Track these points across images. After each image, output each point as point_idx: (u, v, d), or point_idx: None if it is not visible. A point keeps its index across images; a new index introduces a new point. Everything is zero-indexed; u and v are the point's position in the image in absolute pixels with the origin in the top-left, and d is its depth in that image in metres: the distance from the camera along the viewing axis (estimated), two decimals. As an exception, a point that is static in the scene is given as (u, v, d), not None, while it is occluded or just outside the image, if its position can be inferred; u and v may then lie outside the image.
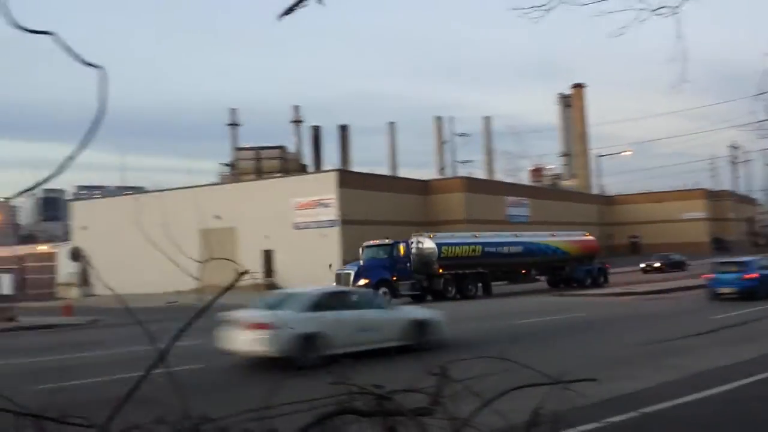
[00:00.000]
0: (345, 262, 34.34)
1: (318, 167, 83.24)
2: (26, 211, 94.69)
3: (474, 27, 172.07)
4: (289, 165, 68.76)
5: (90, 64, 3.20)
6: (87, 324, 26.21)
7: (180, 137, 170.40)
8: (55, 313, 31.04)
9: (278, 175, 57.94)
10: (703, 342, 13.18)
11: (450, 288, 30.02)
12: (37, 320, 27.60)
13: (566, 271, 34.93)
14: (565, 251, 35.22)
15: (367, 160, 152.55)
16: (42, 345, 18.69)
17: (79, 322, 26.70)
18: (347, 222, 42.29)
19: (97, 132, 3.12)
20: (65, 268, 53.07)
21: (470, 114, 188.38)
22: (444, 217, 49.56)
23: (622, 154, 69.24)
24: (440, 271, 30.00)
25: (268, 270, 43.60)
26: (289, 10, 4.14)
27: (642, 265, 47.35)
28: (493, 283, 32.01)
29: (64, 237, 59.74)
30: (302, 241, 42.96)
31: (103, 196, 63.50)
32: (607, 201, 76.47)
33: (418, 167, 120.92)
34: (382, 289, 27.66)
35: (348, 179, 46.30)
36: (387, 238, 31.09)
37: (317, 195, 44.27)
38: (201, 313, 4.00)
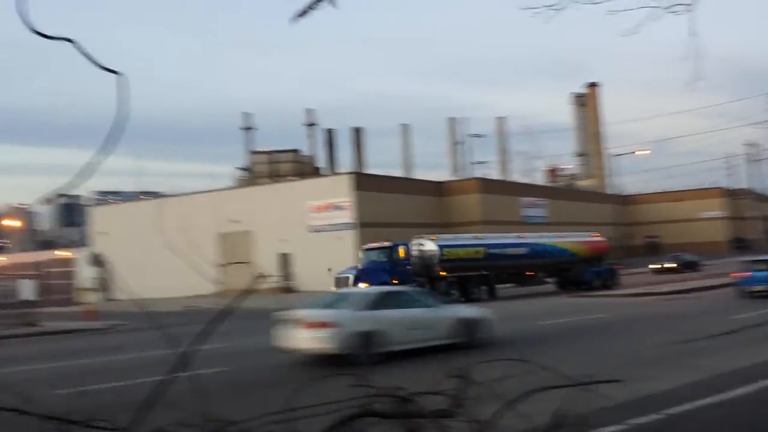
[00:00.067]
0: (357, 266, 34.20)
1: (332, 170, 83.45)
2: (46, 217, 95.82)
3: (486, 27, 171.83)
4: (303, 168, 69.03)
5: (110, 70, 3.23)
6: (108, 328, 26.43)
7: (196, 142, 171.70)
8: (77, 317, 31.34)
9: (293, 178, 58.18)
10: (726, 342, 13.03)
11: (452, 291, 28.88)
12: (59, 325, 27.87)
13: (574, 273, 33.98)
14: (573, 252, 34.44)
15: (382, 162, 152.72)
16: (64, 349, 18.89)
17: (101, 327, 26.94)
18: (363, 225, 42.34)
19: (119, 138, 3.15)
20: (85, 274, 53.62)
21: (484, 114, 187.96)
22: (459, 218, 49.44)
23: (639, 153, 68.72)
24: (442, 273, 29.34)
25: (285, 273, 43.76)
26: (303, 13, 4.15)
27: (653, 266, 46.07)
28: (498, 286, 31.22)
29: (84, 242, 60.36)
30: (318, 244, 43.09)
31: (122, 202, 64.08)
32: (624, 201, 75.87)
33: (432, 169, 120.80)
34: None
35: (363, 182, 46.38)
36: (387, 241, 30.62)
37: (332, 198, 44.39)
38: (222, 316, 4.02)
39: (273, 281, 39.51)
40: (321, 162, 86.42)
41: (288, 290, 42.17)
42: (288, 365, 12.58)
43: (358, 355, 11.81)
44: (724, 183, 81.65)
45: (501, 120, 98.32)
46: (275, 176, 64.45)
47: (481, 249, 31.10)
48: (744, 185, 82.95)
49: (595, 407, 4.82)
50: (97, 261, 52.80)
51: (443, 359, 11.21)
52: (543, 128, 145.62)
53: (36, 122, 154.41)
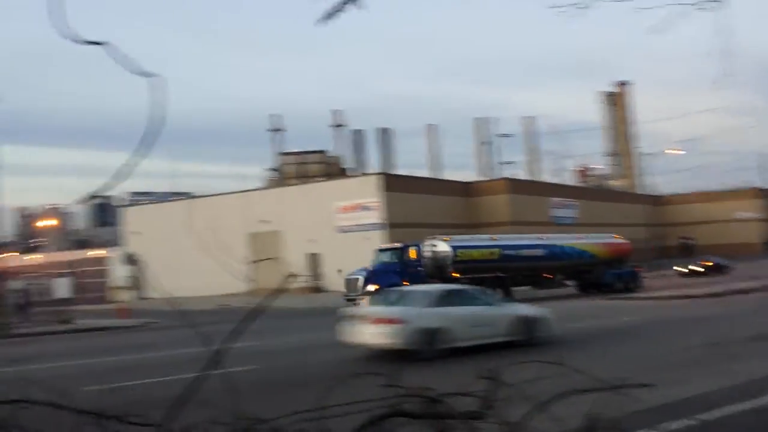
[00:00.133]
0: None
1: (360, 171, 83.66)
2: (80, 217, 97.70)
3: (513, 26, 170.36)
4: (331, 169, 69.28)
5: (145, 73, 3.27)
6: (141, 326, 26.88)
7: (226, 143, 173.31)
8: (110, 315, 31.91)
9: (321, 179, 58.46)
10: (760, 347, 12.77)
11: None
12: (92, 322, 28.43)
13: (594, 275, 33.00)
14: (593, 254, 33.52)
15: (409, 162, 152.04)
16: (97, 346, 19.26)
17: (133, 325, 27.40)
18: (390, 225, 42.37)
19: (155, 140, 3.20)
20: (118, 272, 54.57)
21: (511, 114, 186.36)
22: (488, 219, 49.16)
23: (670, 152, 67.70)
24: (455, 275, 28.52)
25: (314, 273, 43.99)
26: (330, 15, 4.17)
27: (678, 269, 44.66)
28: (514, 289, 30.29)
29: (117, 242, 61.39)
30: (346, 244, 43.21)
31: (154, 202, 65.07)
32: (656, 201, 74.67)
33: (459, 169, 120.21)
34: None
35: (390, 182, 46.39)
36: (399, 242, 30.26)
37: (360, 198, 44.49)
38: (254, 314, 4.07)
39: (302, 281, 39.73)
40: (349, 163, 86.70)
41: (316, 290, 42.39)
42: (318, 364, 12.67)
43: (423, 351, 12.23)
44: (758, 182, 79.84)
45: (529, 119, 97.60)
46: (303, 177, 64.81)
47: (496, 250, 30.39)
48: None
49: (627, 411, 4.76)
50: (130, 260, 53.71)
51: (477, 359, 11.18)
52: (571, 127, 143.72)
53: (68, 125, 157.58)
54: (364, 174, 63.93)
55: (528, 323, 13.92)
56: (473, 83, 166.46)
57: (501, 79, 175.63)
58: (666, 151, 66.47)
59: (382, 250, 30.31)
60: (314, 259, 44.61)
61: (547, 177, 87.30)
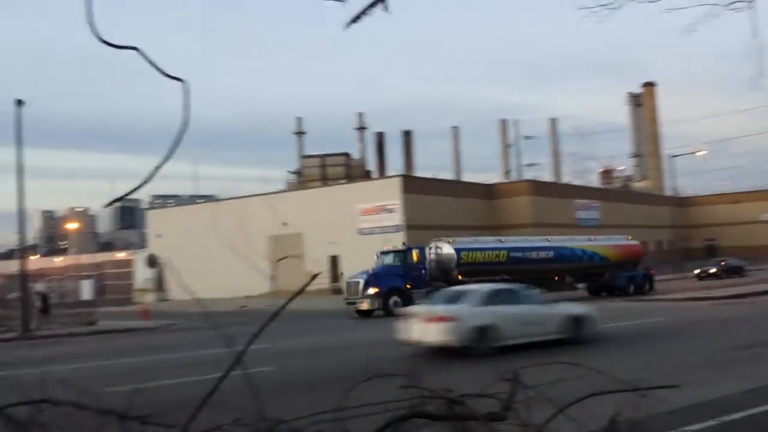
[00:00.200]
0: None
1: (382, 173, 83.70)
2: (104, 220, 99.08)
3: (537, 28, 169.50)
4: (353, 171, 69.45)
5: (174, 78, 3.29)
6: (163, 328, 27.11)
7: (249, 146, 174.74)
8: (133, 317, 32.24)
9: (343, 181, 58.61)
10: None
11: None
12: (116, 324, 28.74)
13: (605, 278, 32.20)
14: (604, 257, 32.69)
15: (431, 165, 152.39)
16: (120, 348, 19.46)
17: (156, 326, 27.64)
18: (412, 227, 42.32)
19: (181, 142, 3.21)
20: (141, 274, 55.20)
21: (535, 116, 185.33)
22: (510, 221, 48.88)
23: (697, 154, 66.69)
24: (459, 277, 27.91)
25: (335, 275, 44.08)
26: (356, 19, 4.17)
27: (696, 271, 43.51)
28: None
29: (140, 244, 62.16)
30: (367, 246, 43.22)
31: (177, 205, 65.72)
32: (681, 203, 73.67)
33: (482, 171, 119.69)
34: (393, 299, 26.66)
35: (412, 184, 46.32)
36: (403, 244, 29.74)
37: (381, 201, 44.49)
38: (274, 316, 4.07)
39: (323, 283, 39.84)
40: (371, 165, 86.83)
41: (337, 291, 42.47)
42: (337, 365, 12.67)
43: (475, 348, 12.64)
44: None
45: (553, 121, 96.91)
46: (326, 179, 65.07)
47: (503, 252, 29.91)
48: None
49: (650, 412, 4.68)
50: (153, 262, 54.29)
51: (500, 360, 11.10)
52: (596, 129, 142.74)
53: (92, 128, 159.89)
54: (386, 176, 63.99)
55: (576, 322, 14.26)
56: (497, 85, 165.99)
57: (525, 81, 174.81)
58: (692, 153, 65.45)
59: (384, 253, 29.78)
60: (335, 261, 44.70)
61: (570, 179, 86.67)
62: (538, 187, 54.72)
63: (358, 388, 4.35)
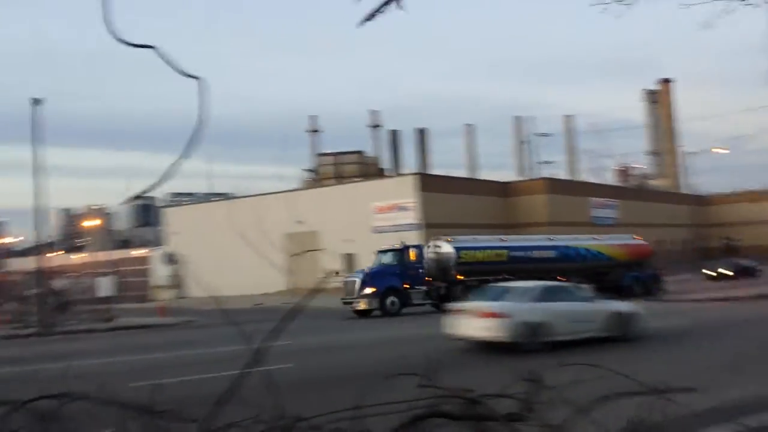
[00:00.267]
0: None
1: (397, 171, 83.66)
2: (122, 217, 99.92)
3: (552, 24, 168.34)
4: (368, 169, 69.45)
5: (190, 75, 3.30)
6: (181, 324, 27.31)
7: (264, 144, 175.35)
8: (151, 314, 32.52)
9: (358, 179, 58.65)
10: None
11: (470, 296, 26.86)
12: (134, 321, 29.01)
13: (612, 278, 31.14)
14: (610, 256, 32.22)
15: (446, 162, 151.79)
16: (138, 344, 19.63)
17: (174, 323, 27.86)
18: (427, 225, 42.26)
19: (200, 141, 3.21)
20: (159, 272, 55.64)
21: (550, 113, 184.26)
22: (526, 219, 48.67)
23: (715, 151, 65.98)
24: (459, 277, 27.72)
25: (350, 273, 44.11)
26: (370, 17, 4.15)
27: (706, 272, 42.66)
28: None
29: (157, 242, 62.58)
30: (382, 244, 43.25)
31: (193, 203, 66.17)
32: (700, 201, 72.92)
33: (497, 169, 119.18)
34: (390, 299, 26.52)
35: (427, 182, 46.27)
36: (402, 242, 29.47)
37: (396, 199, 44.47)
38: (293, 313, 4.08)
39: (338, 280, 39.85)
40: (385, 163, 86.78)
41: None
42: (356, 363, 12.70)
43: (526, 344, 12.87)
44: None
45: (568, 118, 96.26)
46: (340, 177, 65.16)
47: (503, 252, 29.47)
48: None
49: (670, 415, 4.64)
50: (171, 260, 54.71)
51: (515, 361, 11.06)
52: (612, 126, 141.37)
53: (111, 127, 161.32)
54: (401, 174, 63.96)
55: (623, 319, 14.41)
56: (512, 82, 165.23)
57: (540, 78, 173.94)
58: (709, 150, 64.76)
59: (382, 252, 29.55)
60: (350, 259, 44.75)
61: (586, 177, 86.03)
62: (555, 185, 54.42)
63: (378, 386, 4.34)
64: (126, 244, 76.28)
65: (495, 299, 14.16)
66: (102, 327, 26.69)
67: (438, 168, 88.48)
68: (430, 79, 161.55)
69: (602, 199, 57.72)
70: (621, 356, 11.88)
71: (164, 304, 37.00)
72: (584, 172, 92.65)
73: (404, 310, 26.79)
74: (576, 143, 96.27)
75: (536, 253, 30.46)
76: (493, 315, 13.27)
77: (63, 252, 69.99)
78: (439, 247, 28.91)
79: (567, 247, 31.47)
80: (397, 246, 28.96)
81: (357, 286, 27.02)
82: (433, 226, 41.53)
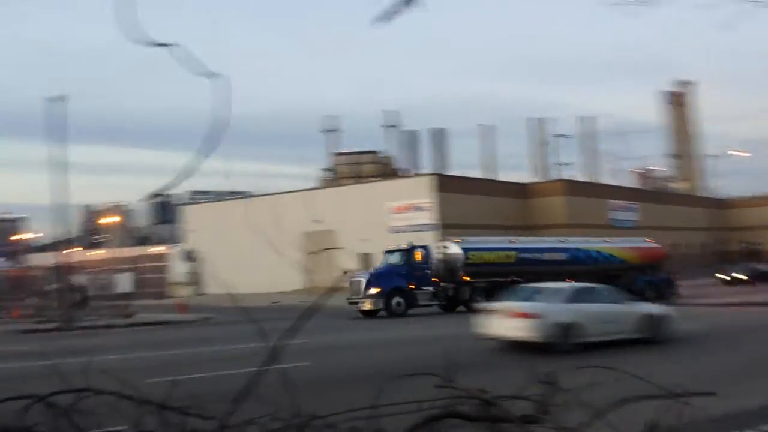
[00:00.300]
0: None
1: (413, 171, 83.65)
2: (141, 215, 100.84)
3: (570, 25, 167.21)
4: (385, 169, 69.54)
5: (210, 74, 3.33)
6: (199, 321, 27.49)
7: (282, 144, 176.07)
8: (169, 310, 32.77)
9: (375, 179, 58.72)
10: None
11: (478, 298, 25.73)
12: (153, 317, 29.24)
13: (623, 282, 29.70)
14: (622, 259, 31.81)
15: (463, 163, 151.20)
16: (157, 340, 19.80)
17: (192, 320, 28.05)
18: (444, 226, 42.20)
19: (219, 138, 3.25)
20: (177, 268, 56.08)
21: (569, 114, 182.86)
22: (544, 221, 48.41)
23: (736, 154, 65.17)
24: (466, 278, 27.49)
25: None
26: (387, 16, 4.15)
27: (721, 276, 41.61)
28: None
29: (175, 239, 63.09)
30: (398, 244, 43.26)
31: (212, 201, 66.64)
32: (720, 204, 72.06)
33: (514, 170, 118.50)
34: (396, 299, 26.39)
35: (443, 183, 46.21)
36: (409, 242, 29.21)
37: (413, 199, 44.46)
38: (310, 312, 4.10)
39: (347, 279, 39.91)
40: (402, 163, 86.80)
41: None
42: (371, 362, 12.72)
43: (558, 345, 12.93)
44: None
45: (587, 120, 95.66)
46: (357, 177, 65.28)
47: (512, 253, 29.14)
48: None
49: (687, 420, 4.60)
50: (189, 257, 55.14)
51: (535, 363, 11.01)
52: (632, 128, 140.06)
53: (131, 125, 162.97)
54: (418, 174, 63.92)
55: (654, 321, 14.48)
56: (530, 83, 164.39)
57: (558, 79, 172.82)
58: (730, 153, 63.96)
59: (389, 252, 29.35)
60: (366, 259, 44.80)
61: (605, 179, 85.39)
62: (573, 187, 54.11)
63: (394, 386, 4.36)
64: (144, 241, 77.03)
65: (527, 299, 14.21)
66: (121, 323, 26.94)
67: (455, 168, 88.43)
68: (448, 79, 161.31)
69: (622, 201, 57.21)
70: (644, 359, 11.80)
71: (183, 300, 37.28)
72: (603, 174, 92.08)
73: (410, 311, 26.63)
74: (595, 145, 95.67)
75: (546, 255, 30.11)
76: (526, 315, 13.32)
77: (82, 248, 70.77)
78: (446, 247, 28.79)
79: (578, 250, 31.13)
80: (404, 246, 28.80)
81: (362, 286, 26.93)
82: (450, 227, 41.47)
